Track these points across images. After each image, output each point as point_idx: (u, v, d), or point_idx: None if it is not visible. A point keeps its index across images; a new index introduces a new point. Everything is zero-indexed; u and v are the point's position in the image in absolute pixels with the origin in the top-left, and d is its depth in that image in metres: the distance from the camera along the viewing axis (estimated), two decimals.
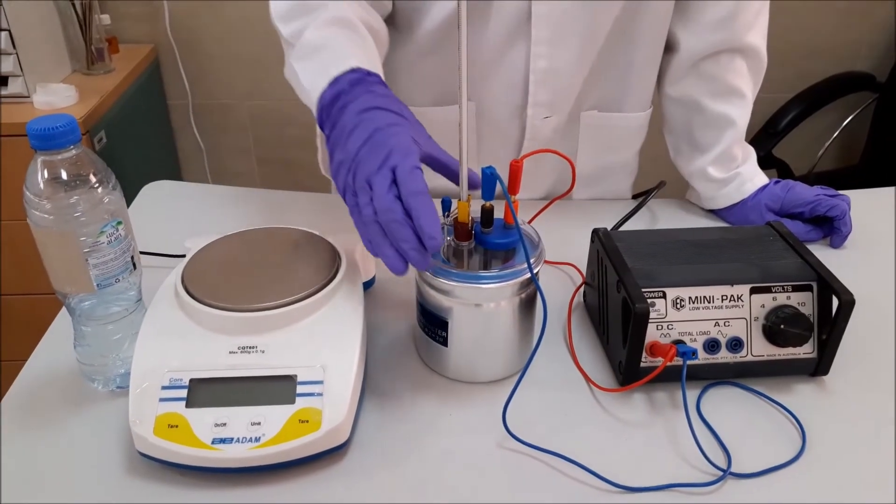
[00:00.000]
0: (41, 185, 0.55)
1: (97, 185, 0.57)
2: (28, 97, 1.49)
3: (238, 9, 1.87)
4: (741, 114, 0.91)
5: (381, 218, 0.56)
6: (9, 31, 1.43)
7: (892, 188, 1.02)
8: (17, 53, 1.45)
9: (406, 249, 0.56)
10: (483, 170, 0.60)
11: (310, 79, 0.69)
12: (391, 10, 0.85)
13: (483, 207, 0.62)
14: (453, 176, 0.62)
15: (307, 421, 0.56)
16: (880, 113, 1.94)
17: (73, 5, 1.61)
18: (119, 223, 0.59)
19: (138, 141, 1.76)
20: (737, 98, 0.91)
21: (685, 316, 0.65)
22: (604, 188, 1.01)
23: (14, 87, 1.48)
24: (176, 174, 2.08)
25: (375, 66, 0.69)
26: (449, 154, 0.62)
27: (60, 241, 0.57)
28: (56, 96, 1.47)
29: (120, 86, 1.63)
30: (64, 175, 0.55)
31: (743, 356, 0.66)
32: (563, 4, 0.80)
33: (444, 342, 0.65)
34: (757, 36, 0.88)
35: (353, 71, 0.66)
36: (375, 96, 0.63)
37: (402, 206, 0.56)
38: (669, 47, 0.91)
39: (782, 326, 0.64)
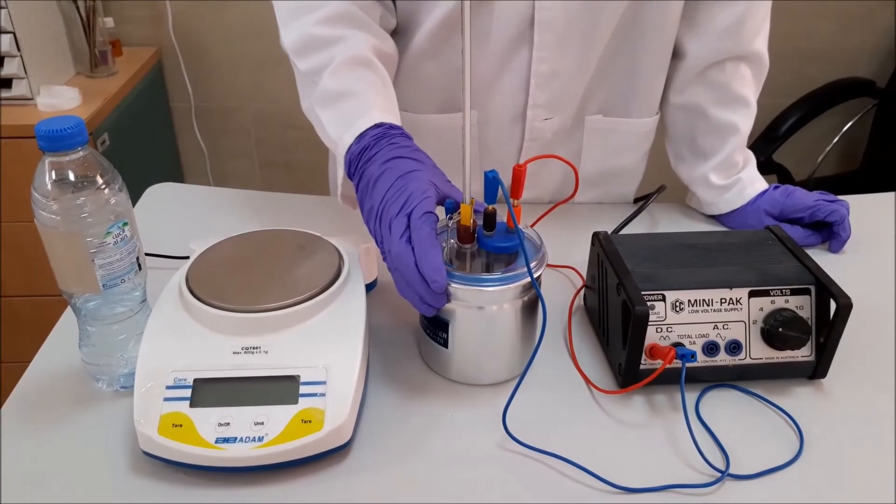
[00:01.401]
0: (49, 186, 0.56)
1: (104, 186, 0.57)
2: (32, 99, 1.50)
3: (241, 12, 1.88)
4: (745, 121, 0.91)
5: (396, 264, 0.60)
6: (13, 33, 1.44)
7: (892, 193, 1.03)
8: (21, 56, 1.46)
9: (421, 293, 0.60)
10: (486, 173, 0.60)
11: (335, 130, 0.73)
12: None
13: (485, 211, 0.63)
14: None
15: (310, 421, 0.56)
16: (880, 119, 1.95)
17: (78, 8, 1.61)
18: (125, 224, 0.59)
19: (141, 143, 1.77)
20: (742, 106, 0.91)
21: (684, 319, 0.65)
22: (608, 191, 1.02)
23: (18, 89, 1.48)
24: (178, 176, 2.09)
25: (395, 115, 0.74)
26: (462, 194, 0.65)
27: (67, 241, 0.57)
28: (60, 99, 1.48)
29: (123, 88, 1.64)
30: (71, 176, 0.56)
31: (741, 359, 0.66)
32: (567, 8, 0.80)
33: (445, 344, 0.65)
34: (762, 42, 0.89)
35: (376, 126, 0.69)
36: (397, 147, 0.67)
37: (414, 251, 0.59)
38: (676, 55, 0.91)
39: (780, 329, 0.64)
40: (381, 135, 0.69)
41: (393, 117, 0.72)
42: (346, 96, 0.74)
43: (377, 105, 0.72)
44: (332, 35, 0.77)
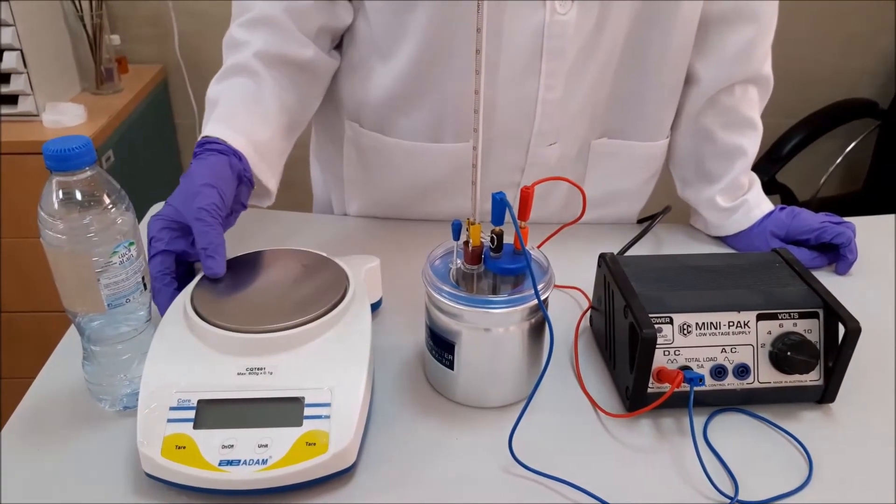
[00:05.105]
0: (55, 206, 0.56)
1: (111, 206, 0.57)
2: (37, 116, 1.50)
3: None
4: (752, 144, 0.92)
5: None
6: (20, 50, 1.45)
7: (894, 216, 1.03)
8: (27, 72, 1.47)
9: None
10: (493, 195, 0.60)
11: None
12: (370, 34, 0.85)
13: (492, 232, 0.63)
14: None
15: (314, 443, 0.56)
16: (883, 139, 1.96)
17: (84, 26, 1.63)
18: (131, 244, 0.59)
19: (145, 160, 1.77)
20: (749, 129, 0.91)
21: (692, 342, 0.65)
22: (610, 212, 1.01)
23: (24, 105, 1.49)
24: None
25: (239, 127, 0.77)
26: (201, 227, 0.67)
27: (73, 260, 0.57)
28: (65, 115, 1.49)
29: (128, 105, 1.65)
30: (78, 196, 0.56)
31: (749, 383, 0.66)
32: (576, 37, 0.80)
33: (451, 366, 0.65)
34: (769, 65, 0.90)
35: (200, 142, 0.75)
36: (198, 163, 0.73)
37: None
38: (690, 80, 0.91)
39: (789, 353, 0.64)
40: (196, 152, 0.74)
41: (230, 130, 0.76)
42: (210, 104, 0.81)
43: (219, 117, 0.77)
44: (241, 39, 0.81)
